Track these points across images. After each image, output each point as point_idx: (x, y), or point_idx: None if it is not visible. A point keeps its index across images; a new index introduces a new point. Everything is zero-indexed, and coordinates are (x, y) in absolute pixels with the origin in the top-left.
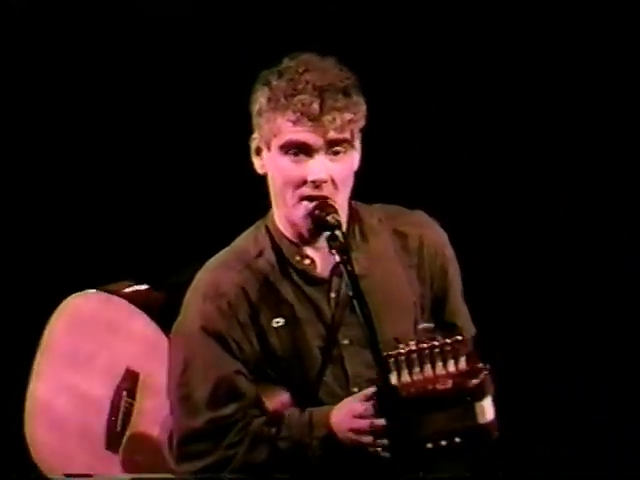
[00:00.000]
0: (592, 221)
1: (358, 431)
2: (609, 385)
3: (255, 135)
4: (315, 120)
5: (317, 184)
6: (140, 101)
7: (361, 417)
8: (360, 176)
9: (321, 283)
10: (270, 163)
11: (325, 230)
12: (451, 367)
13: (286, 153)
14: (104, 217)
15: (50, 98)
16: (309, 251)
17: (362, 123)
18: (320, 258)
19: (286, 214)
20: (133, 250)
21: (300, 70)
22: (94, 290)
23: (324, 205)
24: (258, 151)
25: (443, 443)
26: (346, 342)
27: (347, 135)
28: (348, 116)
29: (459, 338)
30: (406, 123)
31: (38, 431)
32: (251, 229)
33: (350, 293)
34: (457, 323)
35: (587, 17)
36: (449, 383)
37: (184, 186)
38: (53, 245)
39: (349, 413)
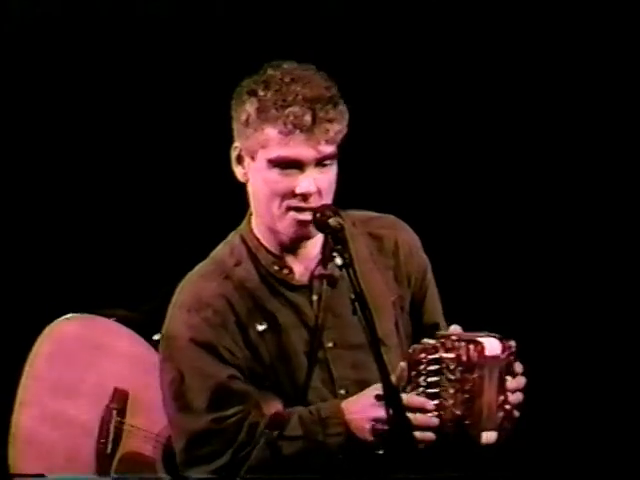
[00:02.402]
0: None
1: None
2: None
3: (237, 144)
4: (308, 132)
5: (305, 196)
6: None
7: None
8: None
9: (301, 288)
10: (255, 174)
11: (327, 234)
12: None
13: (274, 166)
14: (83, 242)
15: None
16: (288, 258)
17: (345, 131)
18: (298, 265)
19: (269, 223)
20: (117, 277)
21: (286, 80)
22: (77, 314)
23: (325, 209)
24: (239, 160)
25: None
26: (330, 345)
27: (334, 147)
28: (338, 127)
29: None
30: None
31: (23, 462)
32: (225, 241)
33: (352, 296)
34: (439, 322)
35: (587, 17)
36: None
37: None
38: (34, 272)
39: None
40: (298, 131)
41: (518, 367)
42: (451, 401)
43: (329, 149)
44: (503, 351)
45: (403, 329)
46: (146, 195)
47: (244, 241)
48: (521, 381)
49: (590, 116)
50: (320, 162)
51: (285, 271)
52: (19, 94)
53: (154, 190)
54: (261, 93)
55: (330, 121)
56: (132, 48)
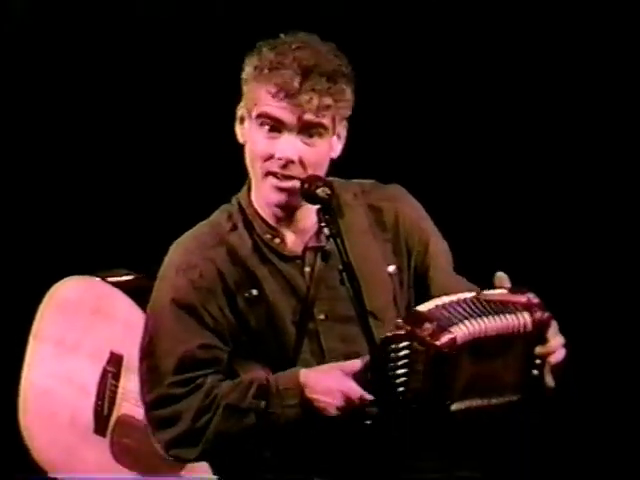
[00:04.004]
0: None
1: (347, 392)
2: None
3: (241, 104)
4: (292, 97)
5: (284, 162)
6: (124, 93)
7: (354, 377)
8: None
9: (294, 259)
10: (247, 133)
11: (316, 204)
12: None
13: (261, 125)
14: (96, 206)
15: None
16: (282, 229)
17: (345, 112)
18: (292, 236)
19: (255, 185)
20: (122, 239)
21: (293, 46)
22: (79, 276)
23: (312, 179)
24: (242, 120)
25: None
26: (322, 317)
27: (324, 120)
28: (327, 100)
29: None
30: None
31: (32, 420)
32: (225, 205)
33: (340, 267)
34: (448, 294)
35: (587, 17)
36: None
37: (169, 179)
38: (48, 234)
39: (337, 374)
40: (283, 94)
41: (551, 333)
42: (417, 385)
43: (312, 118)
44: (529, 326)
45: (403, 303)
46: (153, 157)
47: (241, 208)
48: (554, 345)
49: (587, 107)
50: (304, 130)
51: (277, 240)
52: (19, 94)
53: (161, 152)
54: (264, 53)
55: (318, 92)
56: (132, 48)
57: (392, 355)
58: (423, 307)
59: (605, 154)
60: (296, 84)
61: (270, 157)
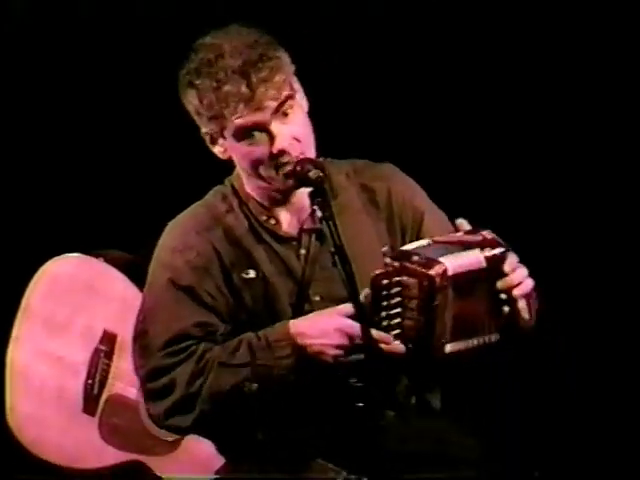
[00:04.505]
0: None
1: (344, 328)
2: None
3: (204, 130)
4: (250, 101)
5: (285, 151)
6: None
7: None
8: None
9: (290, 241)
10: (231, 150)
11: (308, 186)
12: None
13: (242, 138)
14: (91, 186)
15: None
16: (277, 210)
17: (291, 69)
18: (287, 217)
19: (264, 186)
20: (117, 219)
21: (212, 59)
22: (73, 254)
23: (304, 161)
24: (213, 141)
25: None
26: (317, 298)
27: (287, 93)
28: (278, 78)
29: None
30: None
31: (18, 397)
32: (218, 187)
33: (332, 249)
34: None
35: (587, 18)
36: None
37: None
38: (39, 213)
39: (330, 315)
40: (242, 104)
41: (507, 266)
42: (412, 322)
43: (279, 101)
44: (483, 263)
45: None
46: (148, 140)
47: (235, 190)
48: (513, 277)
49: (583, 102)
50: (278, 113)
51: (272, 221)
52: (19, 94)
53: (156, 135)
54: (197, 82)
55: (265, 80)
56: (132, 48)
57: (384, 293)
58: (408, 246)
59: (601, 148)
60: (244, 88)
61: (270, 155)
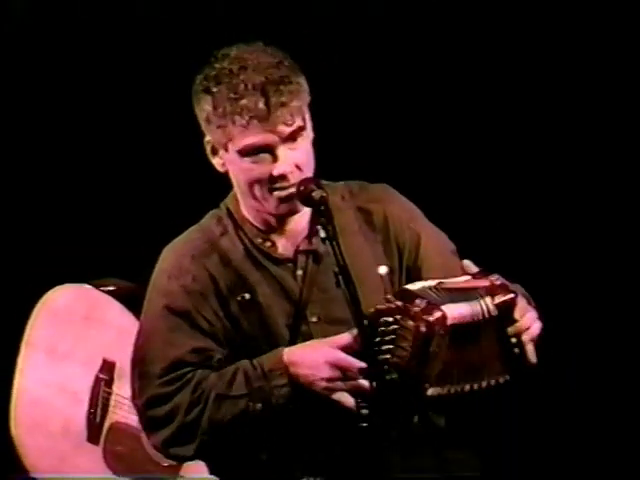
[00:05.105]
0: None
1: (335, 362)
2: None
3: (208, 138)
4: (265, 120)
5: (285, 176)
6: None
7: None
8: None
9: (286, 262)
10: (231, 164)
11: (311, 206)
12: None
13: (246, 154)
14: (89, 216)
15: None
16: (273, 234)
17: (308, 98)
18: (282, 241)
19: (257, 206)
20: (116, 248)
21: (235, 70)
22: (71, 284)
23: (307, 182)
24: (214, 152)
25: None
26: (314, 319)
27: (301, 122)
28: (296, 104)
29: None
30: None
31: (23, 428)
32: (213, 211)
33: (335, 269)
34: None
35: (587, 18)
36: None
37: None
38: (40, 244)
39: (322, 347)
40: (256, 121)
41: (518, 312)
42: (399, 361)
43: (292, 128)
44: (493, 311)
45: None
46: (145, 168)
47: (230, 213)
48: (523, 323)
49: (582, 103)
50: (288, 139)
51: (268, 244)
52: (19, 94)
53: (153, 163)
54: (214, 89)
55: (284, 104)
56: (132, 48)
57: (380, 329)
58: (412, 286)
59: (600, 150)
60: (262, 106)
61: (269, 177)
